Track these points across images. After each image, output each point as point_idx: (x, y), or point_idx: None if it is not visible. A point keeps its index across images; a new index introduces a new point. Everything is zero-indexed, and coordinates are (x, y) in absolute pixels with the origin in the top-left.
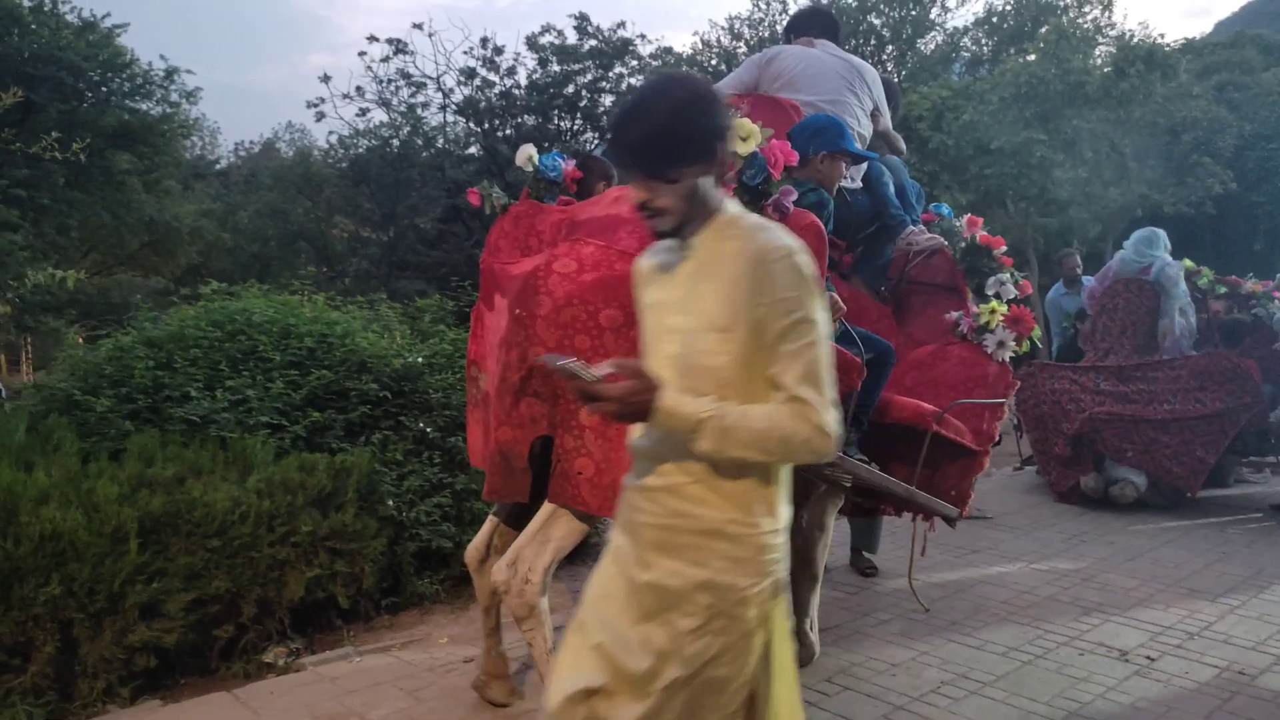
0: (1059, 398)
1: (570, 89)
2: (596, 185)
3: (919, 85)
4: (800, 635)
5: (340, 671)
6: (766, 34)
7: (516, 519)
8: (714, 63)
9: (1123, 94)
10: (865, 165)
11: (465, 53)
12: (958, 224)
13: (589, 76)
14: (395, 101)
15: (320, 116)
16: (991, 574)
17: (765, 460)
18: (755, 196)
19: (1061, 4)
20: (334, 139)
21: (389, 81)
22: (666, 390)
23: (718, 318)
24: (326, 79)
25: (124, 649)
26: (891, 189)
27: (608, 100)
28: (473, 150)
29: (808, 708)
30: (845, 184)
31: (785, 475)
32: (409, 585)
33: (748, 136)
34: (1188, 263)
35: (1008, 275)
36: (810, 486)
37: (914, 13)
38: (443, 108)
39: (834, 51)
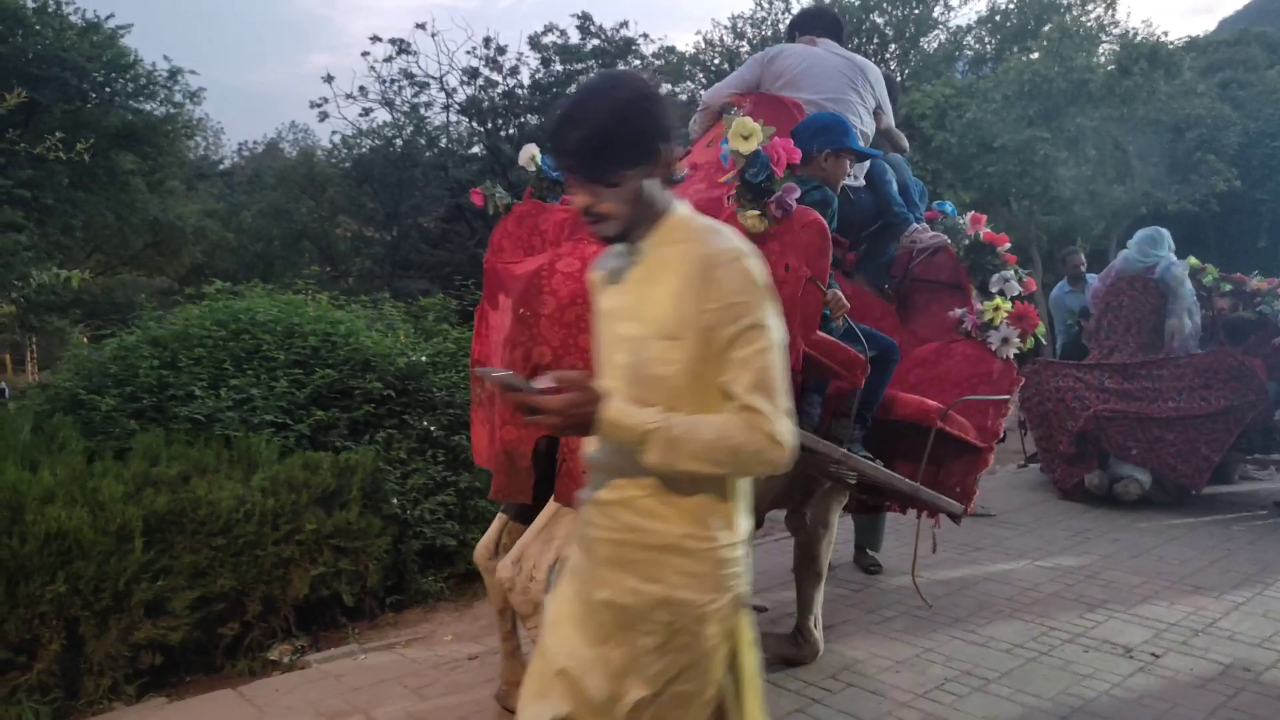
0: (1063, 395)
1: (573, 88)
2: None
3: (922, 83)
4: (804, 632)
5: (345, 669)
6: (769, 33)
7: (526, 517)
8: (717, 62)
9: (1126, 92)
10: (869, 163)
11: (468, 52)
12: (961, 221)
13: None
14: (398, 101)
15: (323, 116)
16: (996, 571)
17: (716, 472)
18: (758, 194)
19: (1065, 2)
20: (337, 139)
21: (392, 81)
22: (611, 401)
23: (666, 324)
24: (329, 79)
25: (129, 646)
26: (895, 187)
27: None
28: (476, 150)
29: (812, 704)
30: (849, 182)
31: (744, 487)
32: (413, 583)
33: (749, 135)
34: (1192, 260)
35: (1011, 272)
36: (815, 484)
37: (917, 11)
38: (446, 107)
39: (836, 50)
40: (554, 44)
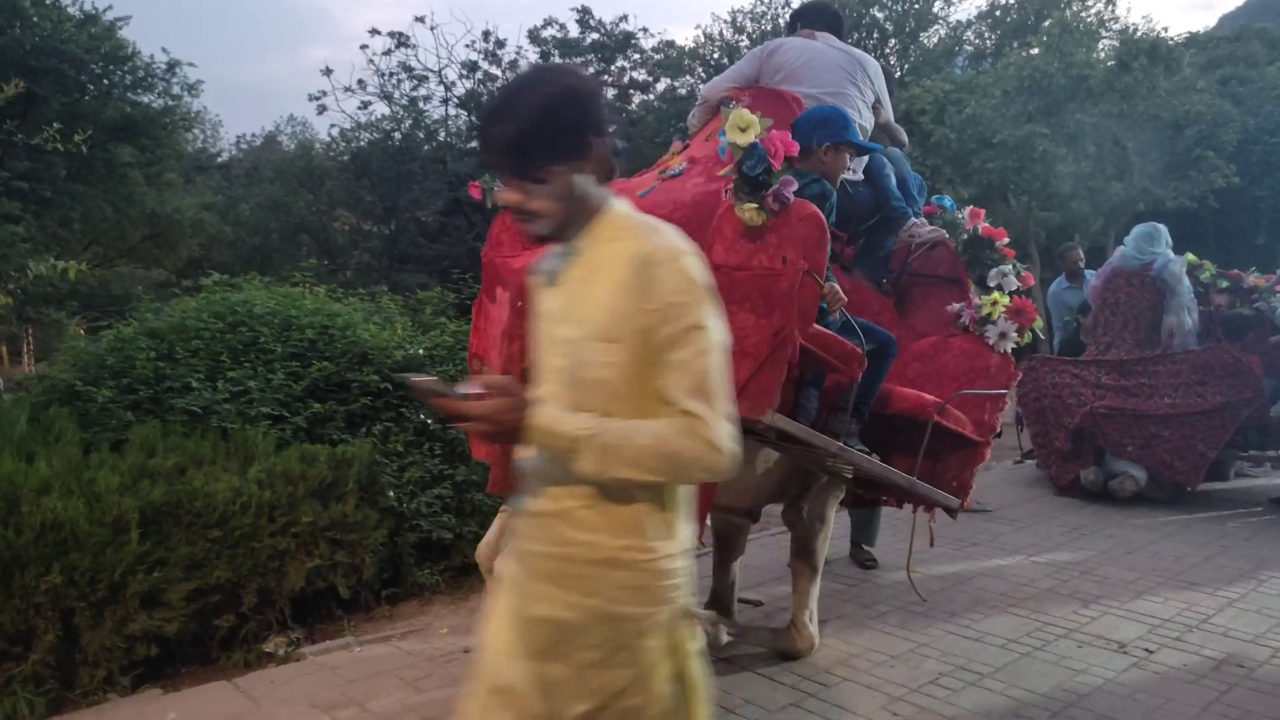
0: (1060, 391)
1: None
2: None
3: (922, 79)
4: (800, 626)
5: (340, 661)
6: (769, 27)
7: None
8: (716, 56)
9: (1126, 88)
10: (867, 157)
11: (467, 46)
12: (960, 216)
13: (591, 70)
14: (397, 94)
15: (322, 109)
16: (991, 566)
17: (654, 480)
18: (756, 187)
19: None
20: (335, 132)
21: (390, 74)
22: (542, 407)
23: (603, 326)
24: (328, 72)
25: (125, 638)
26: (893, 181)
27: (610, 94)
28: (474, 144)
29: (806, 698)
30: (847, 176)
31: (684, 494)
32: (409, 576)
33: (746, 127)
34: (1190, 257)
35: (1010, 267)
36: (811, 478)
37: (917, 6)
38: (444, 101)
39: (835, 44)
40: (553, 38)
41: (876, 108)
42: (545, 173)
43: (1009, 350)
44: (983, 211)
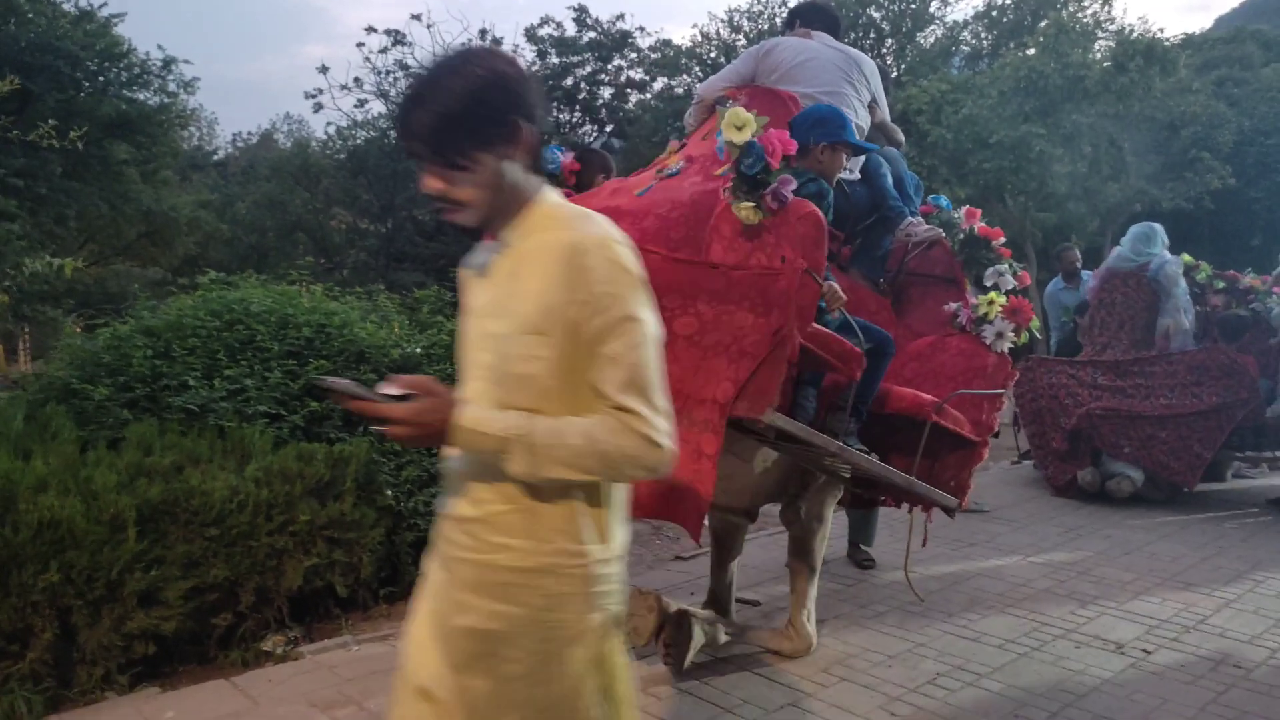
0: (1056, 392)
1: (569, 81)
2: (595, 178)
3: (918, 79)
4: (797, 625)
5: (338, 660)
6: (765, 27)
7: None
8: (713, 55)
9: (1122, 89)
10: (864, 157)
11: (464, 44)
12: (956, 215)
13: (588, 69)
14: (393, 93)
15: (318, 108)
16: (988, 567)
17: (588, 479)
18: (753, 186)
19: None
20: (332, 130)
21: (387, 73)
22: (467, 407)
23: (532, 319)
24: (324, 70)
25: (122, 636)
26: (890, 181)
27: (607, 93)
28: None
29: (804, 698)
30: (844, 175)
31: (619, 494)
32: (407, 575)
33: (742, 125)
34: (1186, 257)
35: (1006, 266)
36: (809, 477)
37: (913, 6)
38: None
39: (831, 43)
40: (550, 37)
41: (873, 107)
42: (470, 160)
43: (1006, 350)
44: (979, 211)
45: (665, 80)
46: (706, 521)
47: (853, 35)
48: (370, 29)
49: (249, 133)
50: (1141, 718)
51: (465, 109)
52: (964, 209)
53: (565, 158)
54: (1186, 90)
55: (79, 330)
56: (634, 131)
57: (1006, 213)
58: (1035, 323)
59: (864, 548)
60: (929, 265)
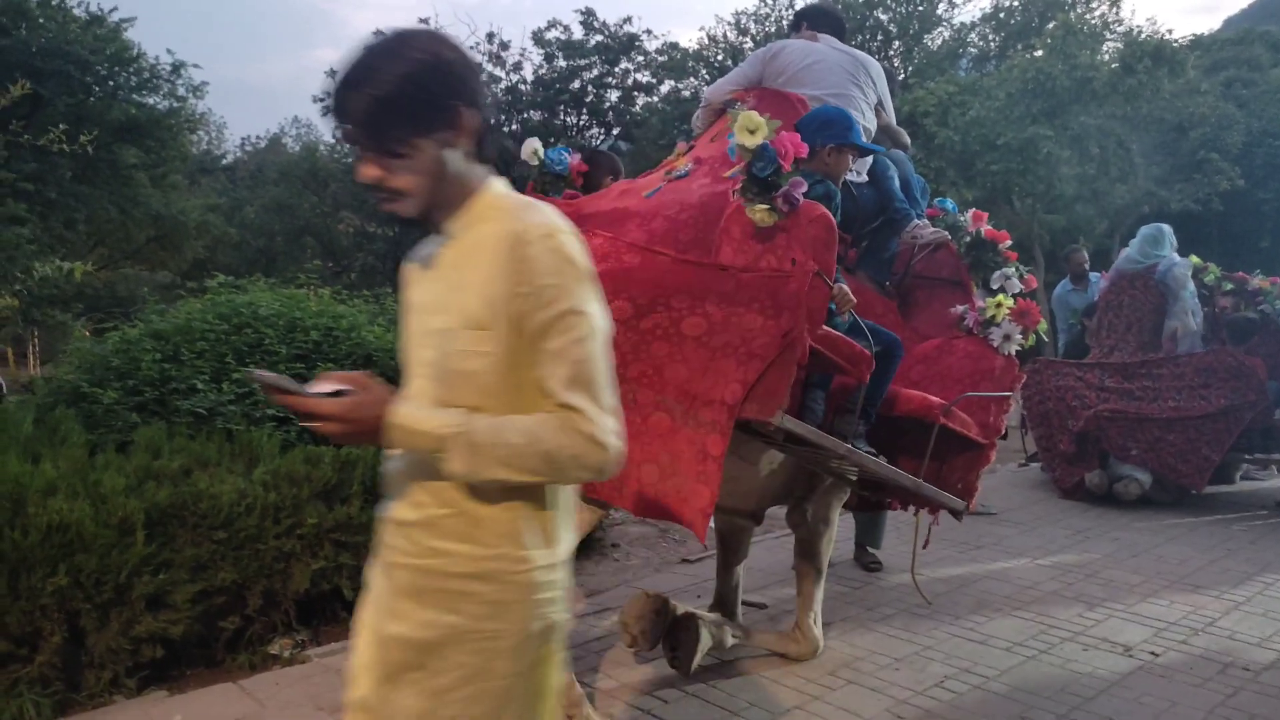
0: (1064, 394)
1: (576, 84)
2: (603, 179)
3: (926, 81)
4: (804, 628)
5: (345, 663)
6: (772, 29)
7: None
8: (720, 58)
9: (1130, 90)
10: (870, 159)
11: (471, 48)
12: (962, 218)
13: (595, 72)
14: None
15: (326, 111)
16: (995, 569)
17: (530, 480)
18: (765, 188)
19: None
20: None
21: None
22: (403, 404)
23: (474, 313)
24: (333, 74)
25: (130, 640)
26: (897, 183)
27: (613, 96)
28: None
29: (811, 700)
30: (851, 177)
31: (565, 497)
32: None
33: (755, 129)
34: (1194, 259)
35: (1013, 269)
36: (816, 479)
37: (921, 8)
38: None
39: (838, 46)
40: (557, 40)
41: (879, 110)
42: (408, 147)
43: (1013, 352)
44: (985, 214)
45: (672, 83)
46: (712, 524)
47: (860, 37)
48: (378, 33)
49: (258, 137)
50: None
51: (403, 94)
52: (970, 212)
53: (573, 159)
54: (1195, 92)
55: (88, 334)
56: (641, 134)
57: (1014, 214)
58: (1043, 325)
59: (871, 550)
60: (935, 268)
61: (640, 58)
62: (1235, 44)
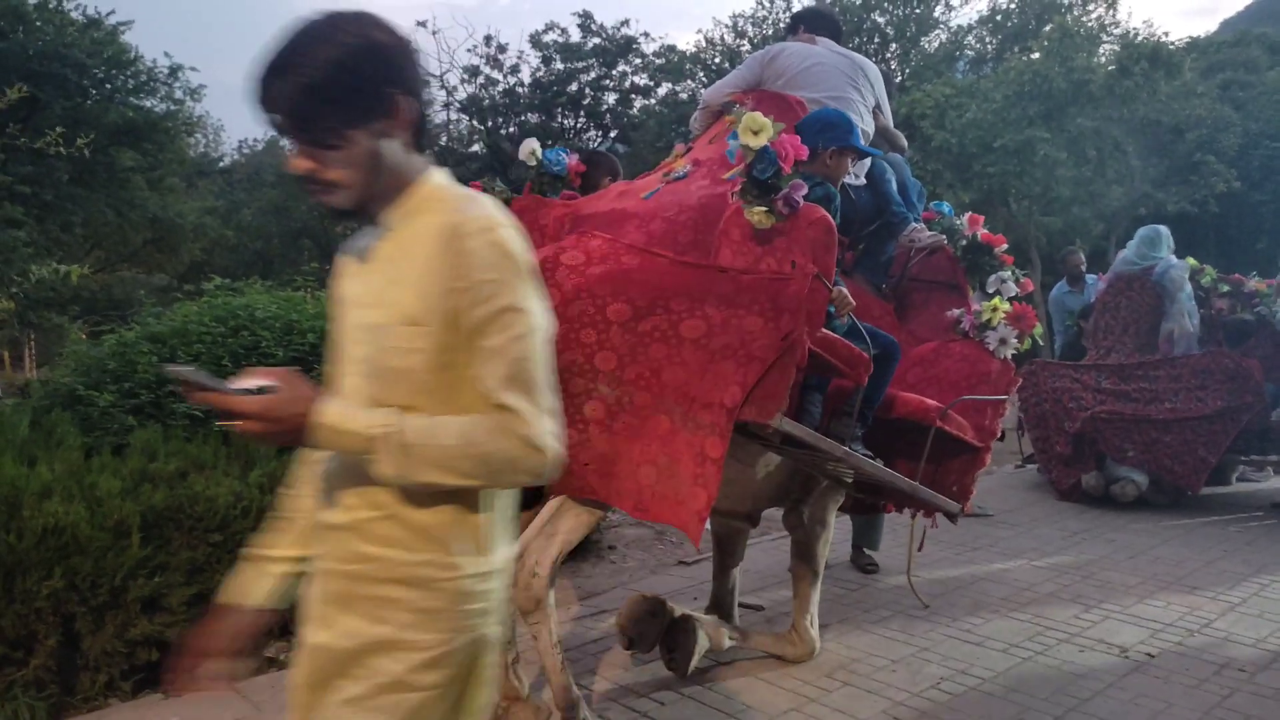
0: (1060, 396)
1: (574, 87)
2: (601, 180)
3: (922, 83)
4: (800, 630)
5: None
6: (770, 32)
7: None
8: (718, 60)
9: (1126, 92)
10: (868, 162)
11: (469, 50)
12: (959, 222)
13: (592, 74)
14: None
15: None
16: (992, 571)
17: (465, 484)
18: (765, 190)
19: (1065, 2)
20: None
21: None
22: (330, 403)
23: (409, 308)
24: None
25: (126, 643)
26: (894, 186)
27: (611, 98)
28: (476, 148)
29: (808, 703)
30: (849, 180)
31: (503, 502)
32: None
33: (760, 130)
34: (1191, 261)
35: (1009, 273)
36: (812, 482)
37: (918, 11)
38: (446, 105)
39: (835, 49)
40: (555, 42)
41: (876, 113)
42: (340, 137)
43: (1009, 356)
44: (981, 218)
45: (670, 86)
46: (708, 526)
47: (857, 40)
48: None
49: (255, 140)
50: None
51: (334, 81)
52: (966, 215)
53: (571, 159)
54: (1191, 94)
55: (84, 336)
56: (638, 137)
57: (1011, 216)
58: (1039, 329)
59: (868, 552)
60: (932, 271)
61: (638, 60)
62: (1232, 46)
